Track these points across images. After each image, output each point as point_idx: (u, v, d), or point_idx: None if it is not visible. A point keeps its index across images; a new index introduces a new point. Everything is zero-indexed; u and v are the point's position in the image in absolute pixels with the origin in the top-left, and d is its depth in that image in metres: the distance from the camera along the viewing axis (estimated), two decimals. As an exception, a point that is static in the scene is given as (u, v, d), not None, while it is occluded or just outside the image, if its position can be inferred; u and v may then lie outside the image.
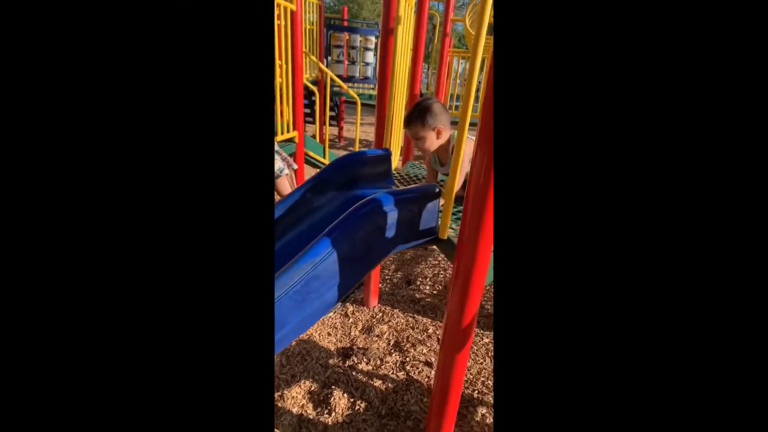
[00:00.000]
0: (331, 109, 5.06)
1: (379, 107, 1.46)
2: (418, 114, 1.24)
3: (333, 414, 1.26)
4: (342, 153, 4.47)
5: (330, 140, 5.31)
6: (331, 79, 2.76)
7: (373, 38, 4.43)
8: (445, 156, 1.35)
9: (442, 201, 1.01)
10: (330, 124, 5.34)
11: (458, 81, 3.31)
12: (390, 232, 0.93)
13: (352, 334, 1.66)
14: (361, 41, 4.40)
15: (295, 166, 2.14)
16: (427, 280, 2.10)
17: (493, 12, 0.52)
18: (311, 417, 1.26)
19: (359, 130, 2.99)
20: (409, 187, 1.02)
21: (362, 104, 3.99)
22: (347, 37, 4.36)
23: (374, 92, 4.60)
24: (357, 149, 3.12)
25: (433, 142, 1.27)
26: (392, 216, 0.91)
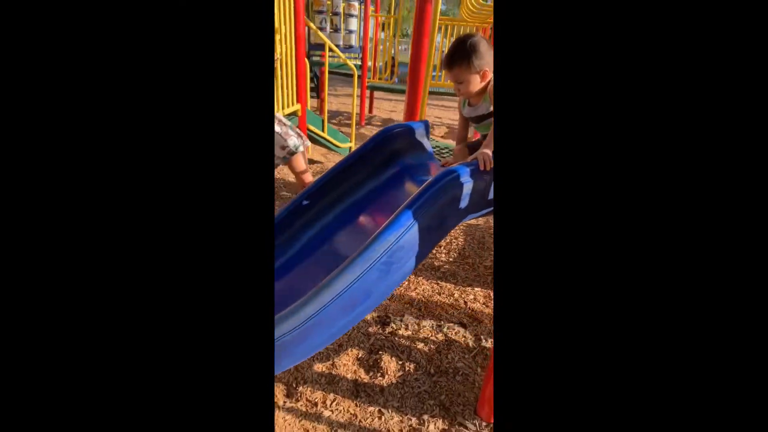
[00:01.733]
0: (311, 80, 4.86)
1: (411, 79, 1.47)
2: (464, 54, 1.08)
3: (386, 376, 1.34)
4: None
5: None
6: (311, 49, 2.66)
7: (356, 4, 4.24)
8: (479, 98, 1.22)
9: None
10: (310, 96, 5.14)
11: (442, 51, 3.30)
12: (464, 203, 0.98)
13: (384, 302, 1.72)
14: (344, 7, 4.20)
15: (308, 143, 2.08)
16: (442, 248, 2.19)
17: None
18: (366, 381, 1.33)
19: (338, 102, 2.93)
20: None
21: (343, 75, 3.83)
22: (330, 2, 4.15)
23: (358, 62, 4.45)
24: (353, 122, 3.07)
25: (477, 85, 1.14)
26: (468, 186, 0.95)
